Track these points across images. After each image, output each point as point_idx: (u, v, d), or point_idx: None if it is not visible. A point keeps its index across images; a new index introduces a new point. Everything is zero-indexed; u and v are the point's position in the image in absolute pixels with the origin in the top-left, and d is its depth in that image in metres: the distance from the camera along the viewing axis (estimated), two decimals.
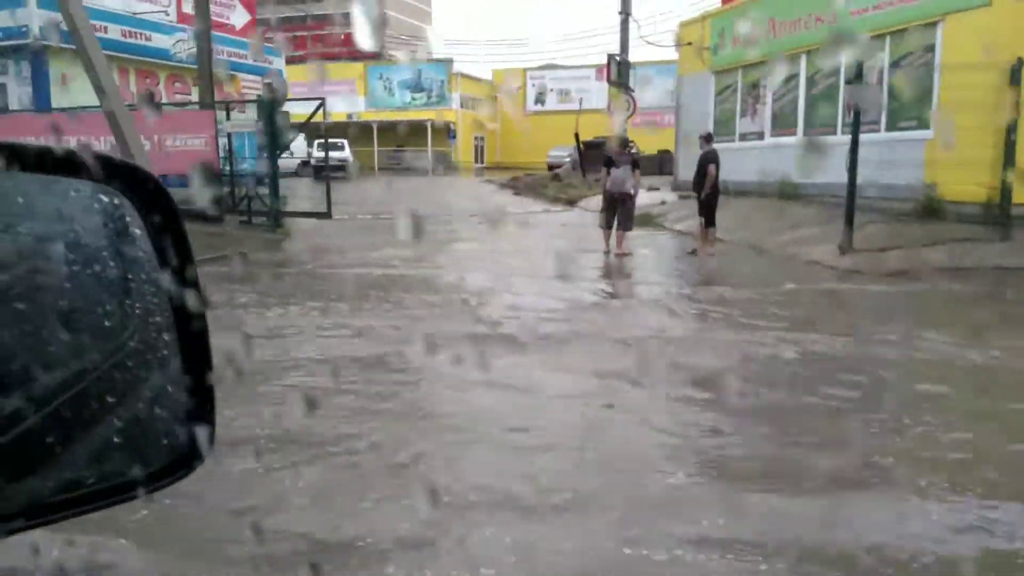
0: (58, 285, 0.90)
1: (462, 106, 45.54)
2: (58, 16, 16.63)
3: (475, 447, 3.96)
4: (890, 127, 11.58)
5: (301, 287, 8.92)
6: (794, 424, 4.37)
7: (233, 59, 20.08)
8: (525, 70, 49.86)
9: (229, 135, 14.20)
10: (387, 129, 41.81)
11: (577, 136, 26.54)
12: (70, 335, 0.87)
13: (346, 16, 70.40)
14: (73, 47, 16.95)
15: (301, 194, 16.43)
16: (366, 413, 4.42)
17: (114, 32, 17.78)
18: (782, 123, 14.15)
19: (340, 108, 38.33)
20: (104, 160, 0.88)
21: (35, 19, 16.87)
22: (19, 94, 17.78)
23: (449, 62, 45.05)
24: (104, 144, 13.92)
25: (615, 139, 11.00)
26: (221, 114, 14.10)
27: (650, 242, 12.74)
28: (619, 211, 10.82)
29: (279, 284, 9.19)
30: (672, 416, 4.46)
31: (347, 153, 30.88)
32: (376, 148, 42.06)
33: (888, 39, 11.65)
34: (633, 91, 23.07)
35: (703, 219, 10.86)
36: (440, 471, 3.63)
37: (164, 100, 19.05)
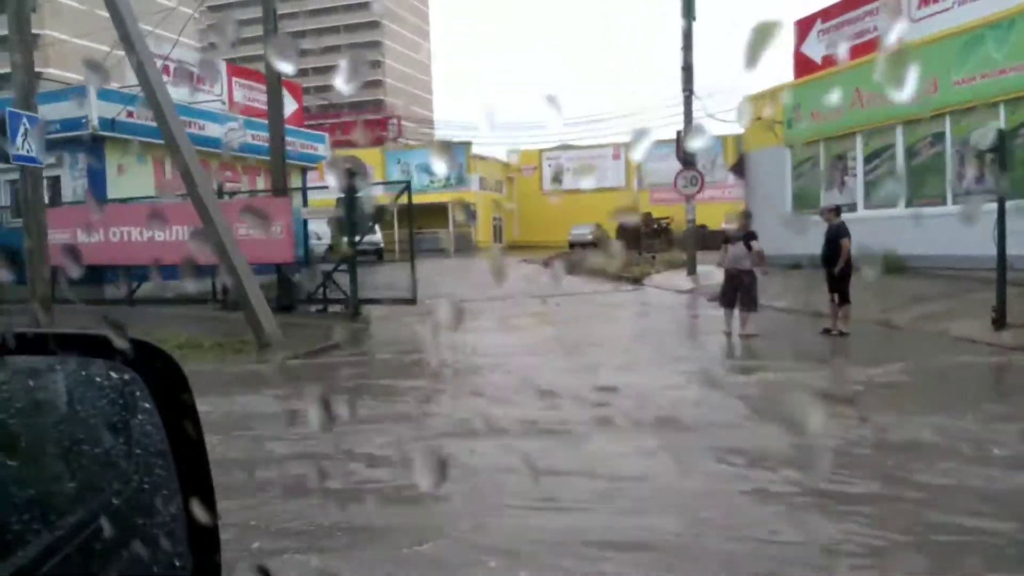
0: (62, 459, 0.95)
1: (481, 187, 45.75)
2: (118, 107, 16.45)
3: None
4: (1011, 195, 11.12)
5: (411, 376, 8.28)
6: None
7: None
8: (541, 151, 50.34)
9: (305, 221, 13.73)
10: (406, 211, 41.79)
11: (649, 215, 26.28)
12: (76, 515, 0.90)
13: (361, 104, 71.85)
14: (128, 136, 16.82)
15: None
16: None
17: None
18: (878, 195, 13.75)
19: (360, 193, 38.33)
20: (120, 339, 0.93)
21: (94, 110, 16.67)
22: (73, 186, 17.43)
23: (468, 144, 45.42)
24: (174, 233, 13.44)
25: (735, 214, 10.49)
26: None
27: (763, 321, 12.09)
28: (740, 290, 10.28)
29: (396, 377, 8.49)
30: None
31: (379, 237, 30.51)
32: (396, 230, 41.93)
33: (1002, 107, 11.35)
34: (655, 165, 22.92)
35: (835, 296, 10.27)
36: None
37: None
